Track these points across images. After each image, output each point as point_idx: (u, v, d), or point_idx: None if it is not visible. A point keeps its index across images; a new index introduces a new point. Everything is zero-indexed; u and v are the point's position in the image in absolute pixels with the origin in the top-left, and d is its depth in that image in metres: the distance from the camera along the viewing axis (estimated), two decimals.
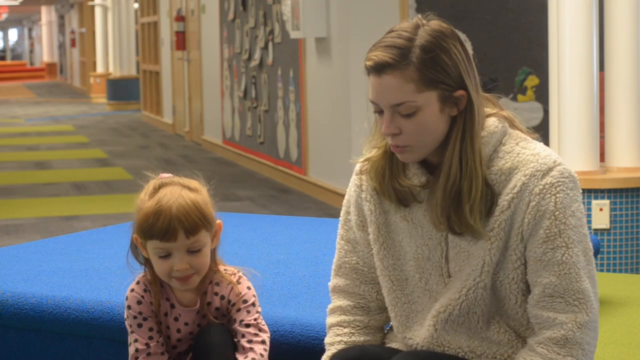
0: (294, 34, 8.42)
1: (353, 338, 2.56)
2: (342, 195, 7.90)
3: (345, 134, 7.87)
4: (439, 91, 2.33)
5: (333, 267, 2.63)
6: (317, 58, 8.46)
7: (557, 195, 2.32)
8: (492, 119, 2.41)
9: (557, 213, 2.31)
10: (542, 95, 7.73)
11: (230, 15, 11.09)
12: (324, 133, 8.43)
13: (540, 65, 7.65)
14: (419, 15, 2.40)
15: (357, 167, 2.57)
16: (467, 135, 2.35)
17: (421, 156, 2.40)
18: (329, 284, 2.64)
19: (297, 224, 4.37)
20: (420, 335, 2.47)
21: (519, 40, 7.73)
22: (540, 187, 2.33)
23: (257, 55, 10.12)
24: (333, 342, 2.58)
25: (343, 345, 2.55)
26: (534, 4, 7.69)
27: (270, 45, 9.69)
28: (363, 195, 2.53)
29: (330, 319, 2.62)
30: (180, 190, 2.60)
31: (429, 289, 2.45)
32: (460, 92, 2.34)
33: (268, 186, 9.43)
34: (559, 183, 2.33)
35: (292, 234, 4.09)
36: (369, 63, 2.35)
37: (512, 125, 2.44)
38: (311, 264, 3.52)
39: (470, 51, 7.63)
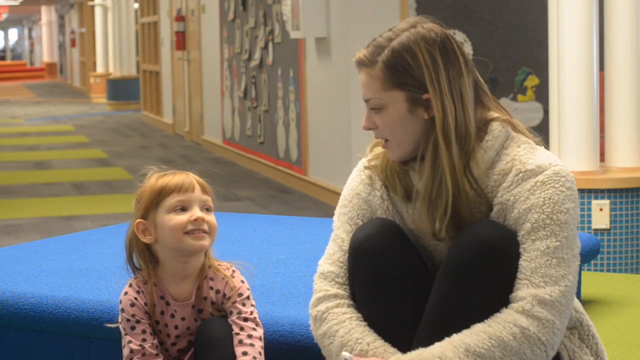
0: (294, 34, 8.42)
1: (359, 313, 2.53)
2: None
3: (345, 134, 7.87)
4: (406, 92, 2.41)
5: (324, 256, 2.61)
6: (317, 58, 8.46)
7: (547, 191, 2.36)
8: (496, 123, 2.45)
9: (544, 207, 2.36)
10: (542, 95, 7.73)
11: (230, 15, 11.08)
12: (324, 133, 8.43)
13: (540, 65, 7.64)
14: (421, 17, 2.45)
15: (362, 163, 2.61)
16: (439, 139, 2.39)
17: (403, 155, 2.46)
18: (316, 275, 2.61)
19: (297, 224, 4.37)
20: None
21: (519, 40, 7.73)
22: (532, 183, 2.37)
23: (257, 55, 10.12)
24: (344, 320, 2.50)
25: (355, 320, 2.50)
26: (534, 4, 7.69)
27: (270, 45, 9.68)
28: (378, 194, 2.56)
29: (323, 305, 2.55)
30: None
31: None
32: (427, 95, 2.40)
33: (268, 186, 9.42)
34: (551, 181, 2.37)
35: (292, 234, 4.09)
36: (354, 59, 2.48)
37: (515, 129, 2.48)
38: (311, 264, 3.51)
39: (470, 52, 7.64)
